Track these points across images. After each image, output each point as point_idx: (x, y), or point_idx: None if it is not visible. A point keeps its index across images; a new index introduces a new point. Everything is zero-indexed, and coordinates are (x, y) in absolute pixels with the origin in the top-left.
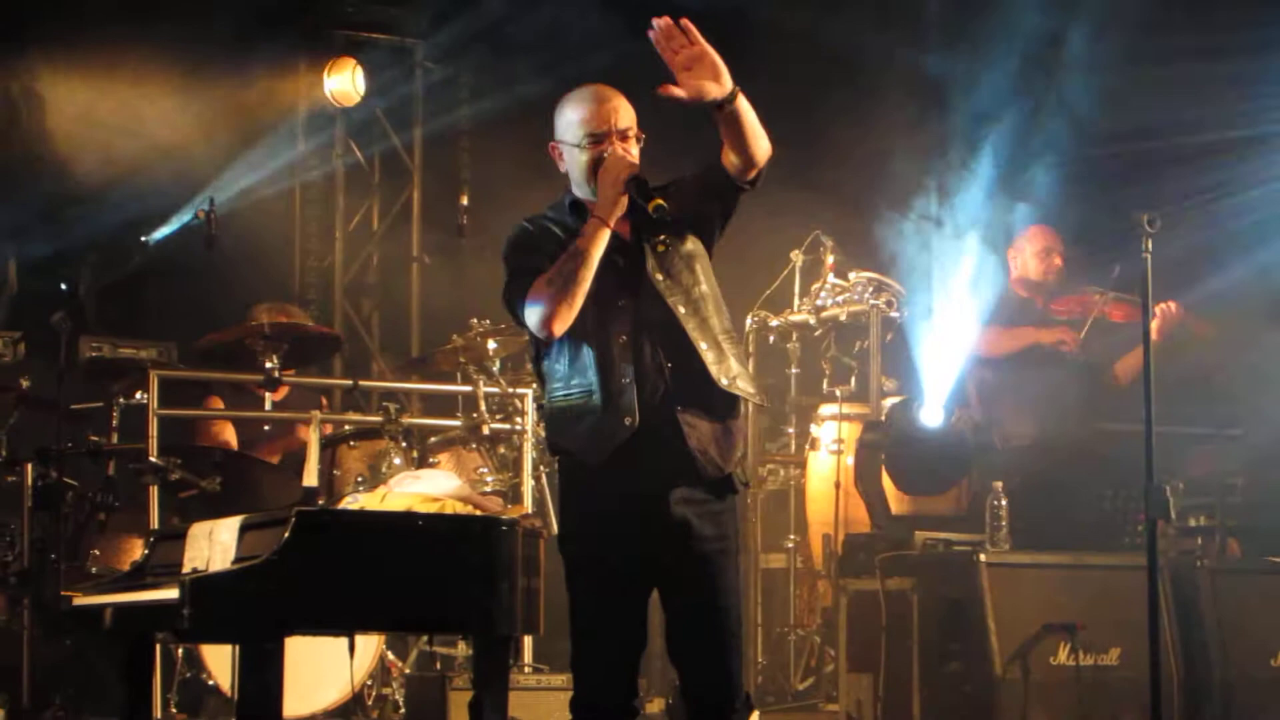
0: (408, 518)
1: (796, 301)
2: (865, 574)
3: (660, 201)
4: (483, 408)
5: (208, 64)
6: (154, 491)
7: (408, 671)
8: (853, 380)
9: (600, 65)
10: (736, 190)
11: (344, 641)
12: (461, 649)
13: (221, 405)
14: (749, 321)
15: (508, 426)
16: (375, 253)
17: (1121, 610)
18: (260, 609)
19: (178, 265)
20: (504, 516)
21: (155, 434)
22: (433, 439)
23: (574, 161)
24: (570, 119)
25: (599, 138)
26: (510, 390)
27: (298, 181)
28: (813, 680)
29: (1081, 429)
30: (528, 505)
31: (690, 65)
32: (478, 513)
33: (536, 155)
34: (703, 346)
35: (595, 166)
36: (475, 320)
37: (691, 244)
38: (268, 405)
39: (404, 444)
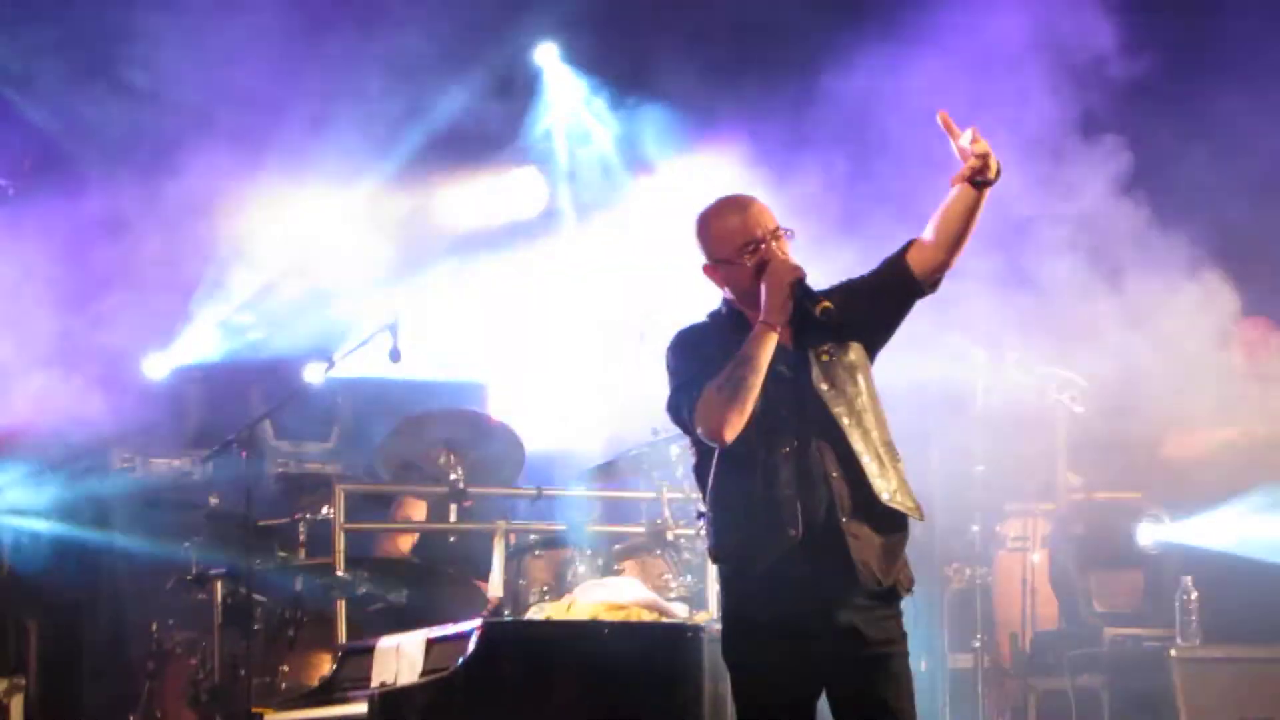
0: (594, 626)
1: (979, 398)
2: (1054, 672)
3: (828, 305)
4: (667, 513)
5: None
6: (342, 606)
7: None
8: (1038, 476)
9: None
10: (917, 292)
11: None
12: None
13: (425, 511)
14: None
15: (691, 532)
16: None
17: None
18: None
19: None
20: (689, 623)
21: (342, 548)
22: (617, 546)
23: (735, 275)
24: (721, 234)
25: (756, 244)
26: (693, 495)
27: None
28: None
29: None
30: (712, 611)
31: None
32: (663, 619)
33: None
34: (865, 459)
35: (759, 272)
36: (657, 426)
37: (855, 353)
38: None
39: (589, 552)
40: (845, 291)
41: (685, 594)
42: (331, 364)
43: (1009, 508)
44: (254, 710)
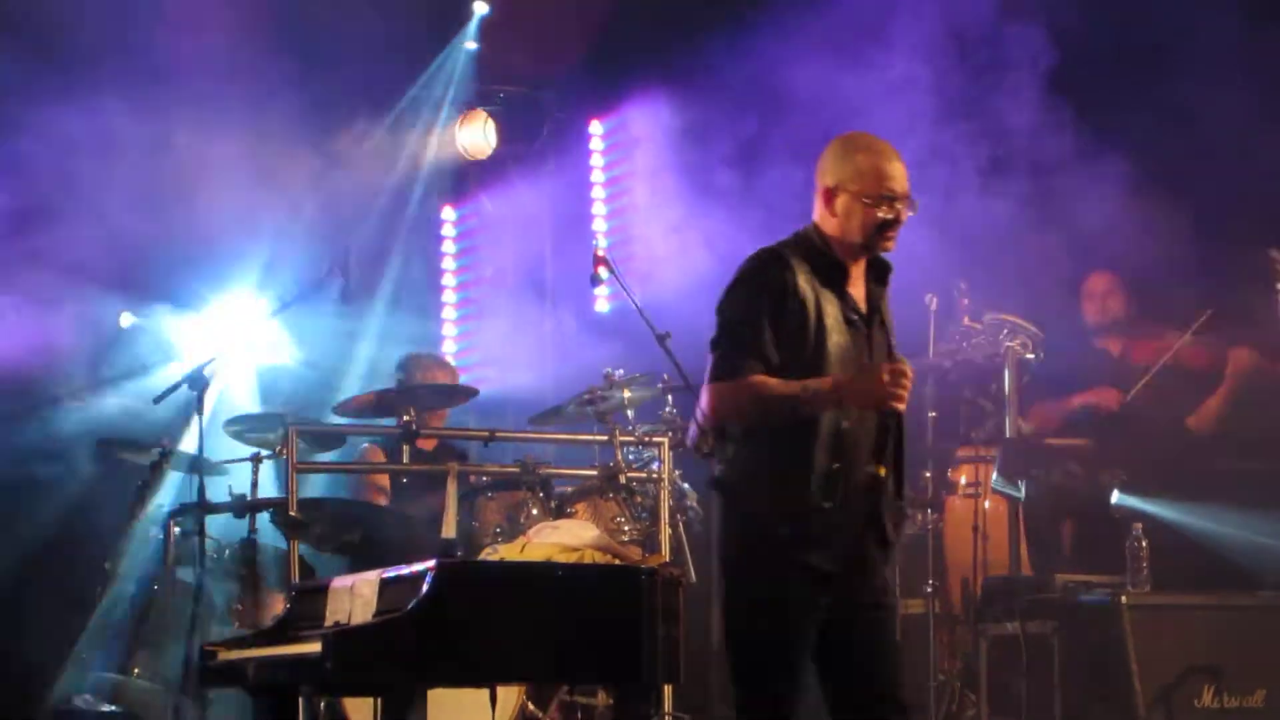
0: (547, 568)
1: (931, 346)
2: (1005, 618)
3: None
4: (619, 457)
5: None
6: (295, 546)
7: None
8: (989, 423)
9: None
10: None
11: (485, 692)
12: (602, 698)
13: (383, 456)
14: None
15: (644, 475)
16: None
17: (1266, 652)
18: (401, 661)
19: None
20: (643, 565)
21: (295, 488)
22: (569, 489)
23: (851, 211)
24: (866, 170)
25: (891, 199)
26: (646, 439)
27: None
28: None
29: None
30: (666, 553)
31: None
32: (617, 562)
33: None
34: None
35: (877, 227)
36: (610, 370)
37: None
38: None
39: (541, 495)
40: None
41: (638, 537)
42: (284, 306)
43: (960, 454)
44: (207, 648)
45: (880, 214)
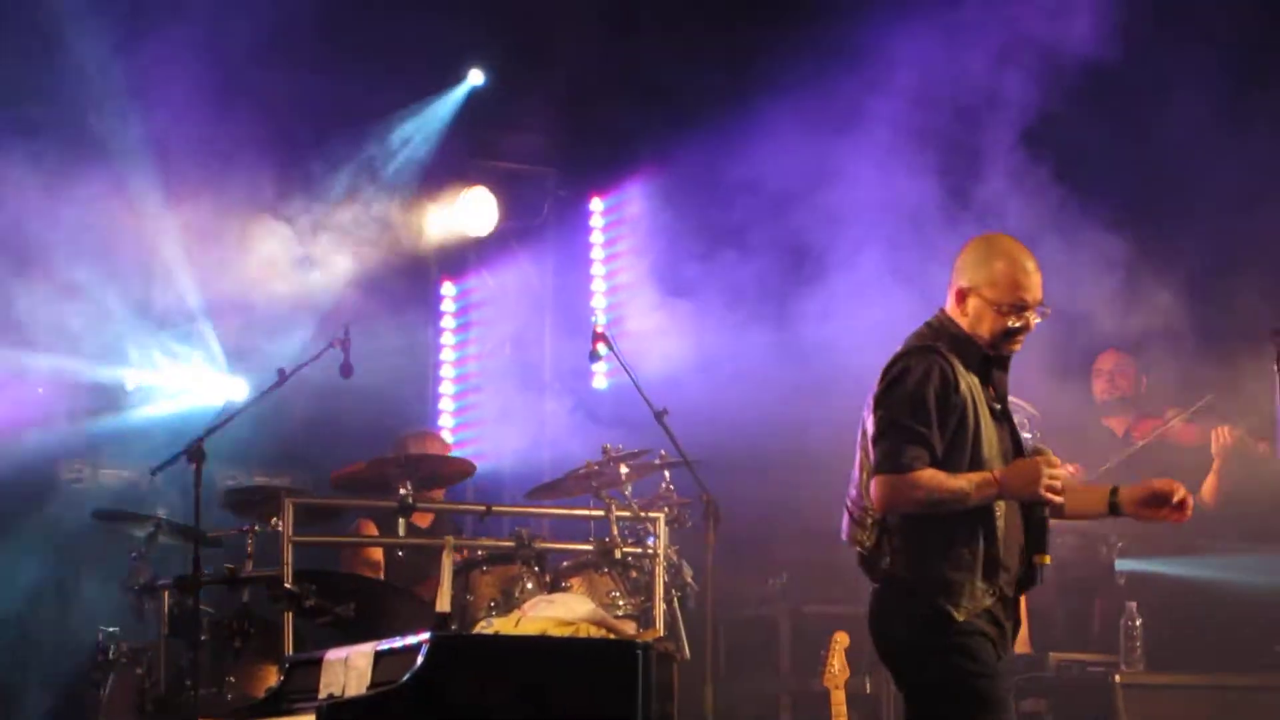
0: (542, 641)
1: None
2: None
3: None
4: (615, 532)
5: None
6: (289, 618)
7: None
8: None
9: None
10: None
11: None
12: None
13: (376, 530)
14: None
15: (640, 550)
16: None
17: None
18: None
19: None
20: (638, 640)
21: (290, 560)
22: (565, 564)
23: (984, 316)
24: (1003, 278)
25: (1023, 308)
26: (643, 514)
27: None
28: None
29: None
30: (661, 629)
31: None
32: (612, 636)
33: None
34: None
35: (1005, 333)
36: (608, 445)
37: None
38: (401, 531)
39: (536, 569)
40: None
41: (634, 611)
42: (282, 378)
43: None
44: None
45: (1010, 322)
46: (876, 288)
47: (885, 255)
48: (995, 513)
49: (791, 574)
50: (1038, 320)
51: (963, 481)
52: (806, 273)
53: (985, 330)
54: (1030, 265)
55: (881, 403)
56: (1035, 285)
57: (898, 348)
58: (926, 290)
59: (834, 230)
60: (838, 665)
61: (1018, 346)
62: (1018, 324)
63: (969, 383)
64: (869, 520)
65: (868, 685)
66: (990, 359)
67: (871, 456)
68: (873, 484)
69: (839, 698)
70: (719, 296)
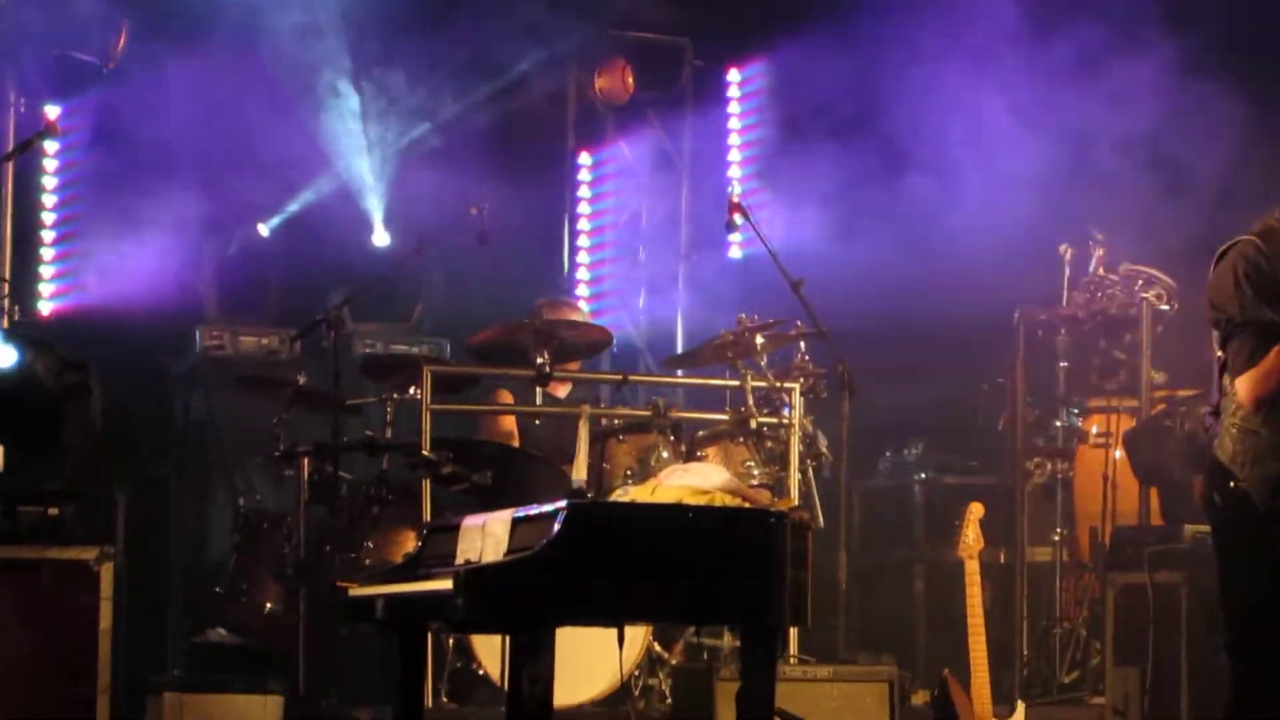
0: (678, 509)
1: (1066, 295)
2: (1133, 567)
3: None
4: (750, 402)
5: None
6: (427, 485)
7: (675, 662)
8: (1121, 374)
9: None
10: None
11: (613, 632)
12: (728, 640)
13: (511, 399)
14: (1016, 316)
15: (775, 420)
16: (642, 247)
17: None
18: (531, 600)
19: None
20: (772, 509)
21: (428, 428)
22: (700, 433)
23: None
24: None
25: None
26: (778, 385)
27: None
28: (1078, 674)
29: None
30: (795, 499)
31: None
32: (747, 505)
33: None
34: None
35: None
36: (743, 315)
37: None
38: (539, 400)
39: (672, 438)
40: None
41: (768, 481)
42: (420, 248)
43: (1092, 404)
44: (339, 585)
45: None
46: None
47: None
48: None
49: (926, 444)
50: None
51: None
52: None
53: None
54: None
55: (1215, 303)
56: None
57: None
58: None
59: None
60: (972, 536)
61: None
62: None
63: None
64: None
65: (1002, 556)
66: None
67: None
68: (1240, 385)
69: (973, 568)
70: (849, 173)
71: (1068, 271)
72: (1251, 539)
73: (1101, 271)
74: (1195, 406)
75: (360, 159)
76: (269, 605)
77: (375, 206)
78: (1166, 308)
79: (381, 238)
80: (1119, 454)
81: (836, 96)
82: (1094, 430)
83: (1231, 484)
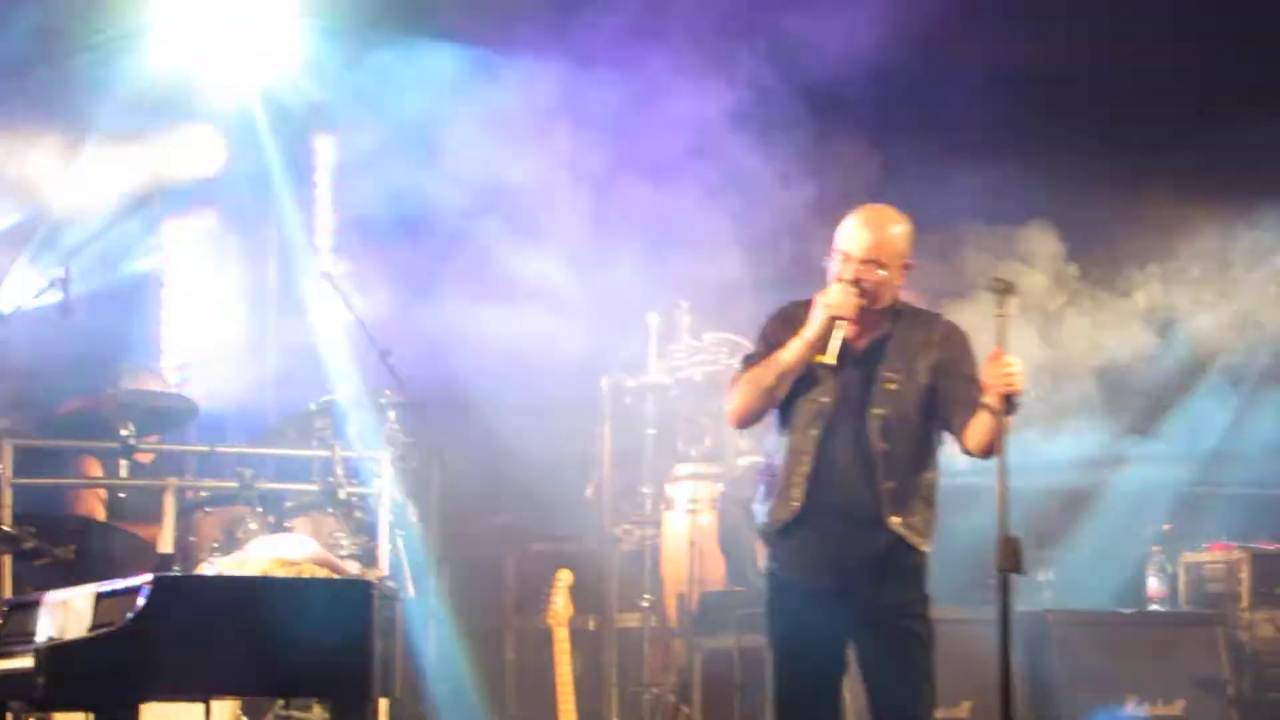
0: (264, 582)
1: (653, 363)
2: (720, 632)
3: (829, 360)
4: (340, 472)
5: None
6: (7, 560)
7: None
8: (708, 440)
9: None
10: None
11: (200, 706)
12: (318, 713)
13: (100, 468)
14: (604, 384)
15: (364, 490)
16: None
17: (972, 663)
18: (115, 676)
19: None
20: (361, 579)
21: (9, 503)
22: (289, 504)
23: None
24: (841, 232)
25: (842, 254)
26: (367, 454)
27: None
28: None
29: None
30: (384, 569)
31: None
32: (335, 576)
33: None
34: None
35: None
36: (331, 386)
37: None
38: (124, 472)
39: (260, 509)
40: (942, 354)
41: (357, 552)
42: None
43: (679, 470)
44: None
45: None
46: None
47: None
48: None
49: (516, 512)
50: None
51: (772, 359)
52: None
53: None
54: (854, 221)
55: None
56: (851, 238)
57: None
58: None
59: None
60: (561, 603)
61: (828, 310)
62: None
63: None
64: None
65: (591, 623)
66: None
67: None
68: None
69: (562, 635)
70: (433, 243)
71: (654, 339)
72: None
73: (688, 338)
74: None
75: None
76: None
77: None
78: None
79: None
80: (705, 520)
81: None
82: (681, 497)
83: None
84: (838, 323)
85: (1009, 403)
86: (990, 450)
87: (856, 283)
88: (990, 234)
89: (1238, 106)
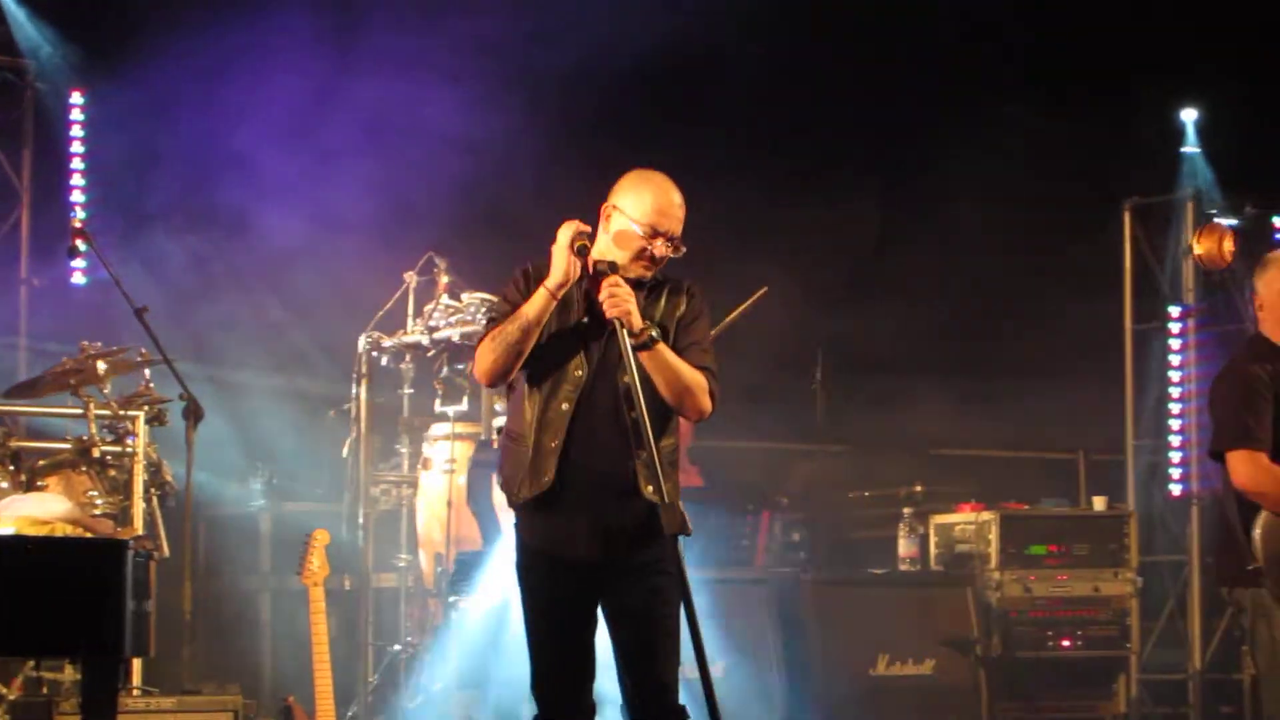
0: (14, 540)
1: (410, 322)
2: (476, 591)
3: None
4: (93, 430)
5: None
6: None
7: (13, 697)
8: (465, 400)
9: None
10: None
11: None
12: (69, 673)
13: None
14: (362, 342)
15: (119, 449)
16: None
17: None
18: None
19: None
20: (114, 538)
21: None
22: (41, 462)
23: (623, 233)
24: (644, 201)
25: (655, 233)
26: (122, 412)
27: None
28: (423, 699)
29: None
30: (139, 528)
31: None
32: (88, 535)
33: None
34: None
35: (640, 252)
36: (86, 342)
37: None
38: None
39: (12, 468)
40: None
41: (111, 511)
42: None
43: (436, 430)
44: None
45: (640, 244)
46: None
47: None
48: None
49: (271, 472)
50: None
51: (515, 313)
52: None
53: (614, 242)
54: (669, 199)
55: None
56: (672, 217)
57: None
58: None
59: None
60: (316, 563)
61: (565, 238)
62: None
63: None
64: None
65: (346, 582)
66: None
67: None
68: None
69: (317, 594)
70: (196, 201)
71: (412, 299)
72: None
73: (445, 299)
74: None
75: None
76: None
77: None
78: None
79: None
80: (462, 480)
81: (184, 122)
82: (437, 456)
83: None
84: (578, 258)
85: (636, 337)
86: (681, 402)
87: (652, 257)
88: None
89: None
